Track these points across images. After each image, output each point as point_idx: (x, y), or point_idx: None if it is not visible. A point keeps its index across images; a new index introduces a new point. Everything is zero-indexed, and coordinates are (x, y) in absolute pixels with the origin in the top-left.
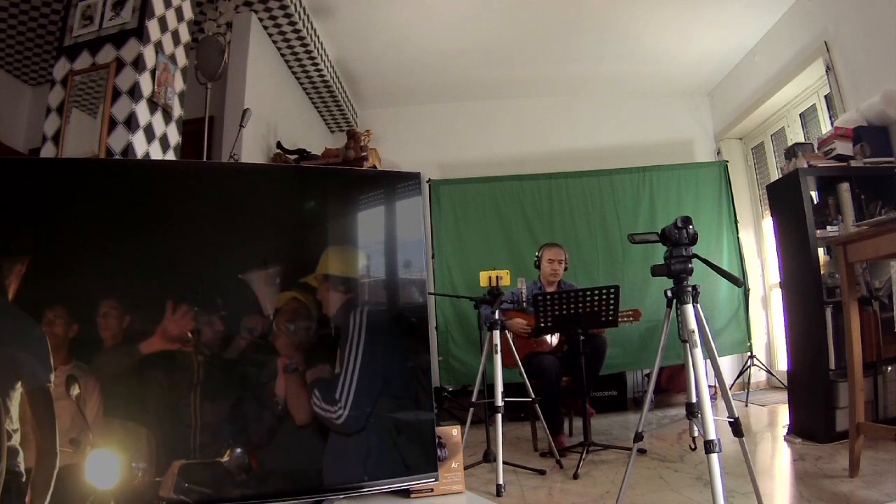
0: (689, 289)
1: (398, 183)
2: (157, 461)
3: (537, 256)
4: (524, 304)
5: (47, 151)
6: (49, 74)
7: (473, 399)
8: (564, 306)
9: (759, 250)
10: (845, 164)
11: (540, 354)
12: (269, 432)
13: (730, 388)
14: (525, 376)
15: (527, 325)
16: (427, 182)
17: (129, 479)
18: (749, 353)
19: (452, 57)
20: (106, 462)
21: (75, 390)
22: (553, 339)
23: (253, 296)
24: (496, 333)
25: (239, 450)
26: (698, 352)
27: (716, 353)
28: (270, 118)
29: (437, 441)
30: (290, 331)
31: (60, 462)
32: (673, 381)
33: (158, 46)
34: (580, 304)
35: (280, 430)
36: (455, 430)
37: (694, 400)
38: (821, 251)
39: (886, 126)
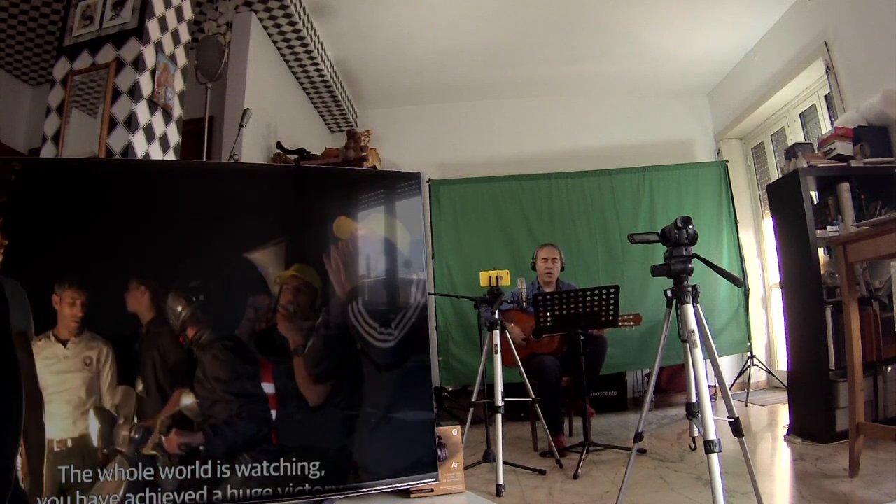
0: (689, 289)
1: (398, 183)
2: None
3: (533, 258)
4: (524, 304)
5: (47, 151)
6: (49, 74)
7: (473, 399)
8: (564, 306)
9: (759, 250)
10: (845, 164)
11: (540, 354)
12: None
13: (730, 388)
14: (525, 376)
15: (523, 336)
16: (427, 182)
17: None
18: (749, 353)
19: (452, 57)
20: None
21: (92, 359)
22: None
23: (254, 287)
24: (496, 333)
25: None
26: (698, 352)
27: (716, 353)
28: (270, 118)
29: (437, 441)
30: (294, 313)
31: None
32: (673, 381)
33: (158, 46)
34: (580, 304)
35: (282, 429)
36: (455, 430)
37: (694, 400)
38: (821, 251)
39: (886, 126)
